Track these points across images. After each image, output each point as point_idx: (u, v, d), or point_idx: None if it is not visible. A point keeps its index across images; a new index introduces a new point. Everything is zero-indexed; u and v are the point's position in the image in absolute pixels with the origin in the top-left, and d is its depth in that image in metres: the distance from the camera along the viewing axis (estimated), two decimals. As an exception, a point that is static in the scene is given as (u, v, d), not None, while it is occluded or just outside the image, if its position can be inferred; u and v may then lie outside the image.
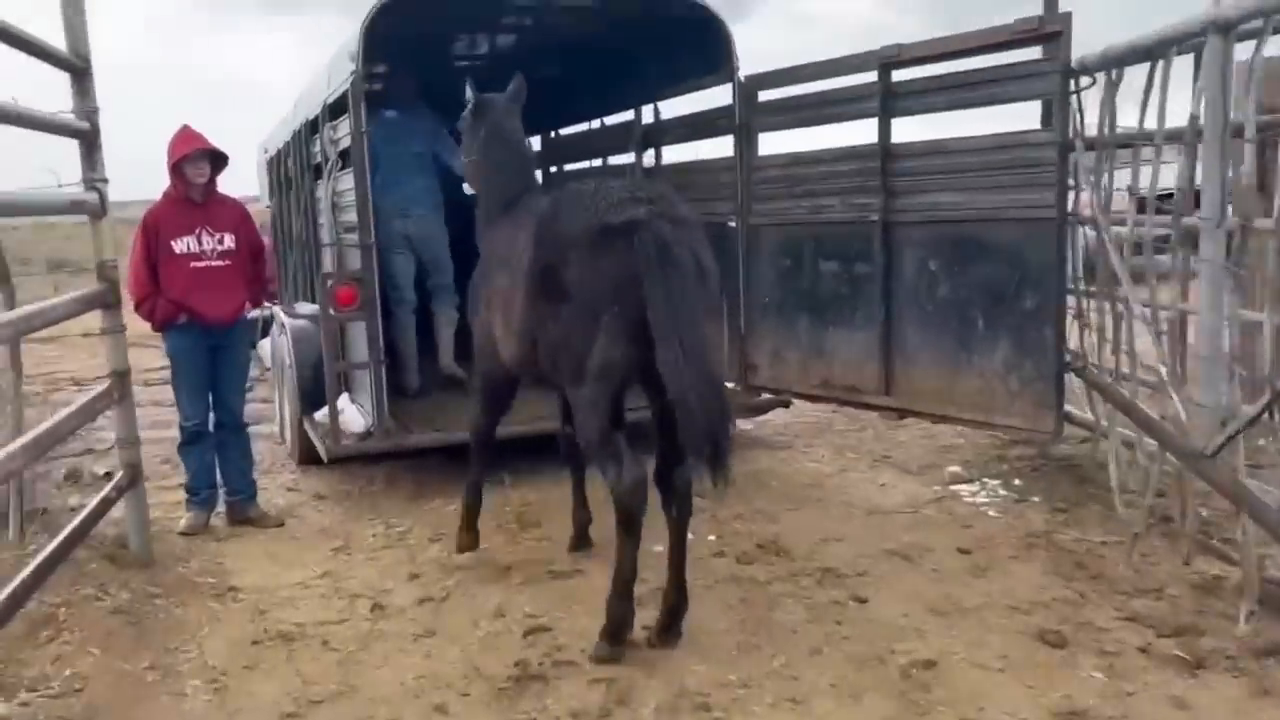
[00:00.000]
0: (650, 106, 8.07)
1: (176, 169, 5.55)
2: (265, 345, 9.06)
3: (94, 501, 4.58)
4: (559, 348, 3.82)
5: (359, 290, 6.02)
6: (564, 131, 9.96)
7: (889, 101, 5.76)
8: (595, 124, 9.20)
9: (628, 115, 8.46)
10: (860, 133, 6.16)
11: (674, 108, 8.00)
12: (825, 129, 6.43)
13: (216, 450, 5.95)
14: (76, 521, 4.34)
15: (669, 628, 3.91)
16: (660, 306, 3.44)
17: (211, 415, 5.87)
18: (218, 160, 5.70)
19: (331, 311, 6.01)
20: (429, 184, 7.37)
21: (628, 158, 8.39)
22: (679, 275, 3.49)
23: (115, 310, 4.83)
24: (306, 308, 8.01)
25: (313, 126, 7.35)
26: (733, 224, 6.95)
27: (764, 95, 6.67)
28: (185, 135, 5.58)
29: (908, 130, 5.85)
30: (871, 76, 5.82)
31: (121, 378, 4.85)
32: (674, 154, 8.02)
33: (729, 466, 3.44)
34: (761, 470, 6.53)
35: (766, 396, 6.91)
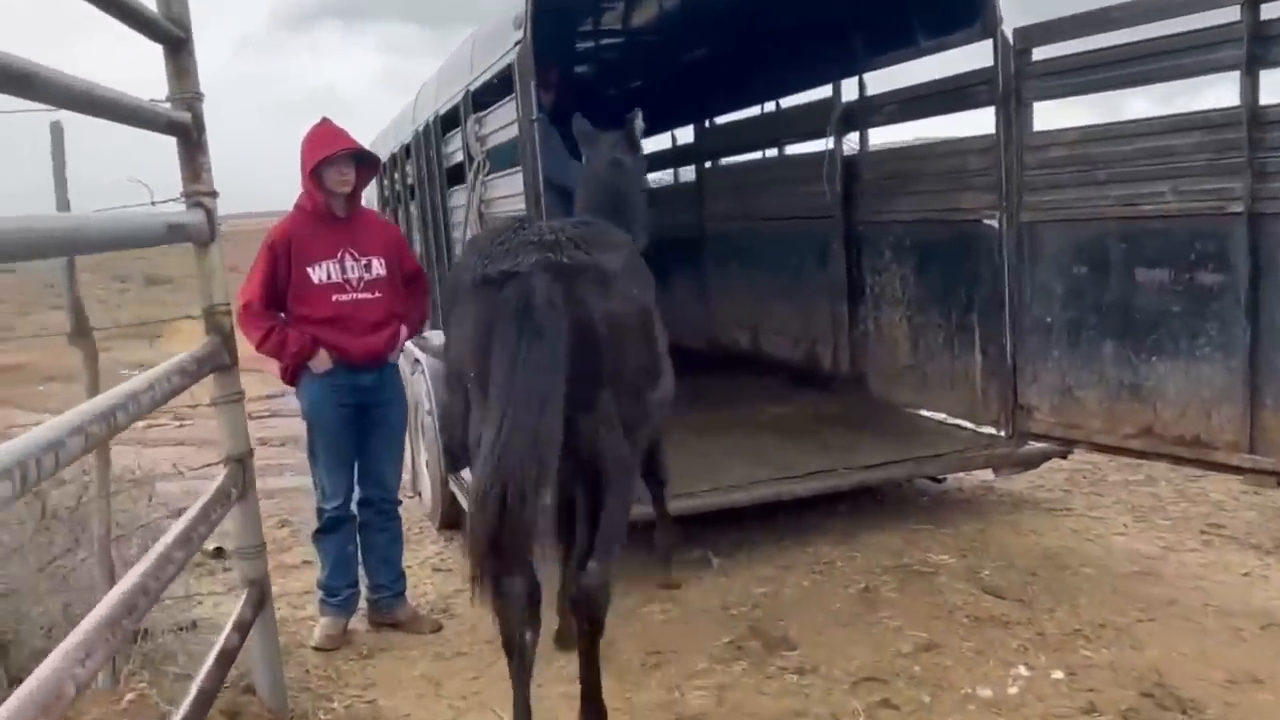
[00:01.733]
0: (853, 80, 6.56)
1: (314, 174, 4.23)
2: None
3: (217, 645, 3.23)
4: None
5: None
6: (730, 118, 8.48)
7: (1261, 47, 4.13)
8: (770, 107, 7.71)
9: (819, 93, 6.97)
10: (1182, 99, 4.59)
11: (882, 81, 6.47)
12: (1123, 98, 4.85)
13: (360, 536, 4.62)
14: (199, 683, 2.99)
15: None
16: (497, 374, 2.92)
17: (356, 492, 4.55)
18: (365, 164, 4.38)
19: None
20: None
21: (819, 144, 6.88)
22: (531, 339, 2.88)
23: (231, 373, 3.49)
24: (441, 339, 6.67)
25: (448, 121, 6.01)
26: (991, 222, 5.38)
27: (1040, 53, 5.09)
28: (325, 132, 4.26)
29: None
30: (1229, 14, 4.20)
31: (241, 465, 3.51)
32: (883, 136, 6.51)
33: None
34: (1053, 548, 4.94)
35: (1040, 446, 5.31)
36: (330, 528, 4.47)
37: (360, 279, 4.27)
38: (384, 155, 8.63)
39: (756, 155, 8.05)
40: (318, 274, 4.21)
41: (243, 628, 3.33)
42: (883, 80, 6.38)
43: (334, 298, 4.25)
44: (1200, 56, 4.35)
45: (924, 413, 6.13)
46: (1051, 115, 5.21)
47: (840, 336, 6.89)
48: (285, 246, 4.24)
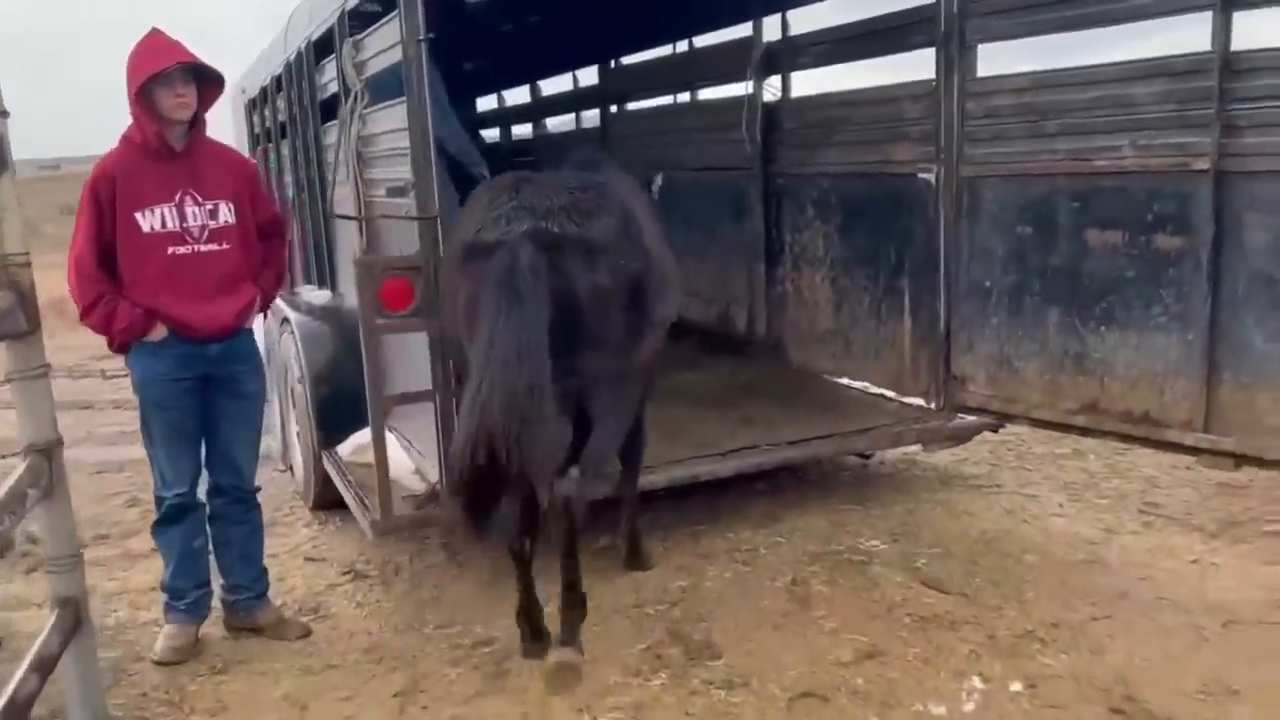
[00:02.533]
0: (776, 18, 6.02)
1: (142, 97, 3.46)
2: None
3: (21, 669, 2.55)
4: None
5: (415, 285, 3.96)
6: (637, 59, 7.84)
7: (1238, -17, 3.74)
8: (684, 46, 7.11)
9: (738, 31, 6.41)
10: (1137, 45, 4.20)
11: (809, 19, 5.94)
12: (1077, 42, 4.42)
13: (211, 529, 3.94)
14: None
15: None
16: (480, 338, 3.02)
17: (205, 479, 3.86)
18: (208, 81, 3.63)
19: (376, 317, 3.95)
20: None
21: (738, 88, 6.34)
22: (512, 305, 2.96)
23: (29, 342, 2.77)
24: (316, 296, 5.94)
25: (322, 47, 5.24)
26: (926, 176, 4.93)
27: (987, -13, 4.63)
28: (155, 45, 3.48)
29: (1257, 30, 3.85)
30: (1200, -55, 3.80)
31: (46, 456, 2.80)
32: (809, 82, 5.99)
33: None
34: (990, 532, 4.58)
35: (973, 420, 4.93)
36: (172, 518, 3.77)
37: (203, 227, 3.54)
38: (254, 89, 7.75)
39: (667, 100, 7.45)
40: (148, 221, 3.46)
41: (45, 666, 2.64)
42: (809, 18, 5.85)
43: (169, 250, 3.51)
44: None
45: (847, 381, 5.71)
46: (997, 60, 4.77)
47: (757, 299, 6.40)
48: (110, 187, 3.46)
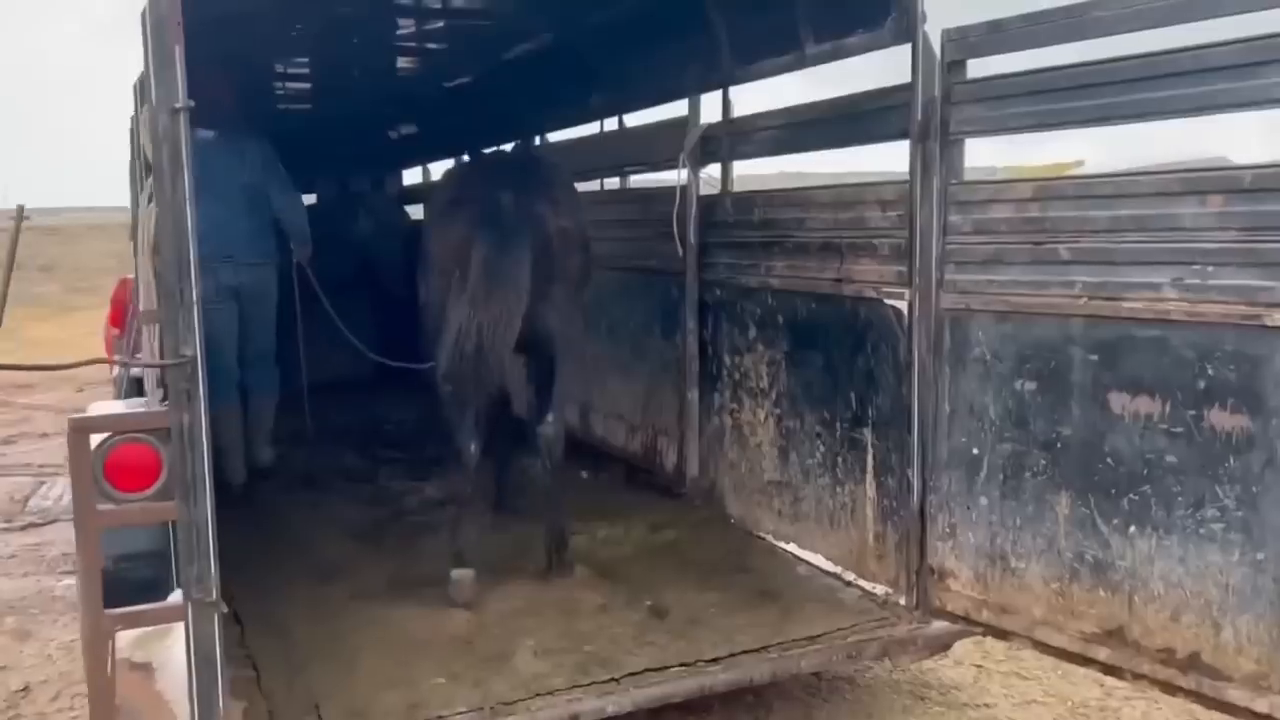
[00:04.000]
0: (715, 95, 4.94)
1: None
2: None
3: None
4: None
5: (162, 454, 2.74)
6: (564, 135, 6.74)
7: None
8: (611, 125, 6.02)
9: (669, 111, 5.35)
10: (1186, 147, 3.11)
11: (757, 96, 4.89)
12: (1104, 137, 3.36)
13: None
14: None
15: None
16: (476, 265, 3.88)
17: None
18: None
19: (99, 501, 2.71)
20: (261, 226, 5.60)
21: (664, 175, 5.26)
22: (504, 241, 3.89)
23: None
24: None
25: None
26: (896, 303, 3.81)
27: (979, 67, 3.55)
28: None
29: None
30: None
31: None
32: (756, 170, 4.89)
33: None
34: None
35: (949, 626, 3.72)
36: None
37: None
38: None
39: (594, 185, 6.33)
40: None
41: None
42: (758, 95, 4.78)
43: None
44: (1236, 82, 2.85)
45: (795, 551, 4.50)
46: (992, 154, 3.68)
47: (689, 432, 5.21)
48: None
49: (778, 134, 4.60)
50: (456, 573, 4.01)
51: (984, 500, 3.54)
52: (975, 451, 3.55)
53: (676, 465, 5.37)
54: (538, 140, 6.82)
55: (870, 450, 4.05)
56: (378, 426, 7.29)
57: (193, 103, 2.65)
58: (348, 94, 7.98)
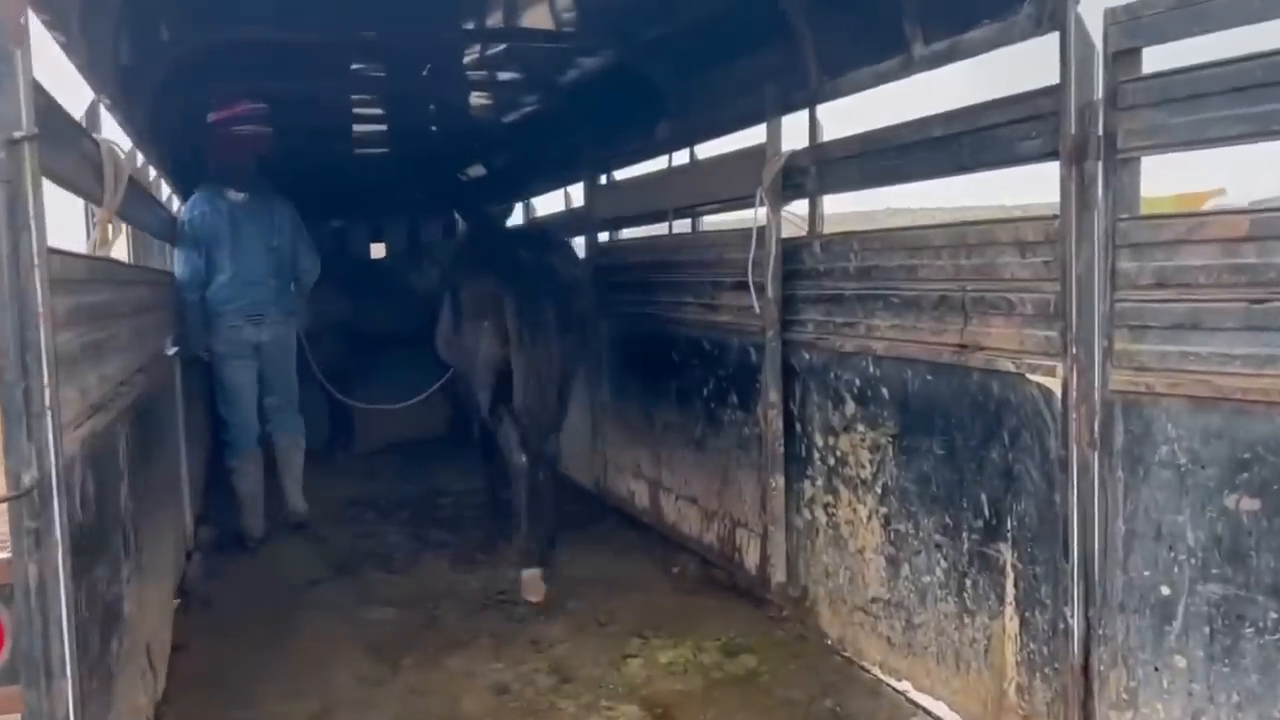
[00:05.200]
0: (800, 116, 4.06)
1: None
2: None
3: None
4: None
5: (4, 624, 1.97)
6: (630, 172, 5.91)
7: None
8: (683, 159, 5.17)
9: (746, 139, 4.48)
10: None
11: (849, 115, 3.99)
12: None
13: None
14: None
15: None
16: (524, 355, 4.64)
17: None
18: None
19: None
20: (286, 285, 5.83)
21: (743, 215, 4.36)
22: (535, 334, 4.60)
23: None
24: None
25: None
26: (1044, 380, 2.83)
27: (1157, 56, 2.57)
28: None
29: None
30: None
31: None
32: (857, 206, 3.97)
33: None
34: None
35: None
36: None
37: None
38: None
39: (661, 229, 5.47)
40: None
41: None
42: (850, 114, 3.86)
43: None
44: None
45: (909, 693, 3.50)
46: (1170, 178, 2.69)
47: (772, 525, 4.26)
48: None
49: (879, 160, 3.64)
50: (527, 572, 4.57)
51: (1181, 661, 2.50)
52: (1165, 591, 2.53)
53: (759, 566, 4.41)
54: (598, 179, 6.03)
55: (1010, 574, 3.04)
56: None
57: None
58: (418, 135, 7.51)
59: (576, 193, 6.72)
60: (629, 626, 4.24)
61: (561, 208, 7.15)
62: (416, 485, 7.01)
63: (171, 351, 4.71)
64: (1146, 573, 2.58)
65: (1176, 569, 2.50)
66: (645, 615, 4.37)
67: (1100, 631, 2.69)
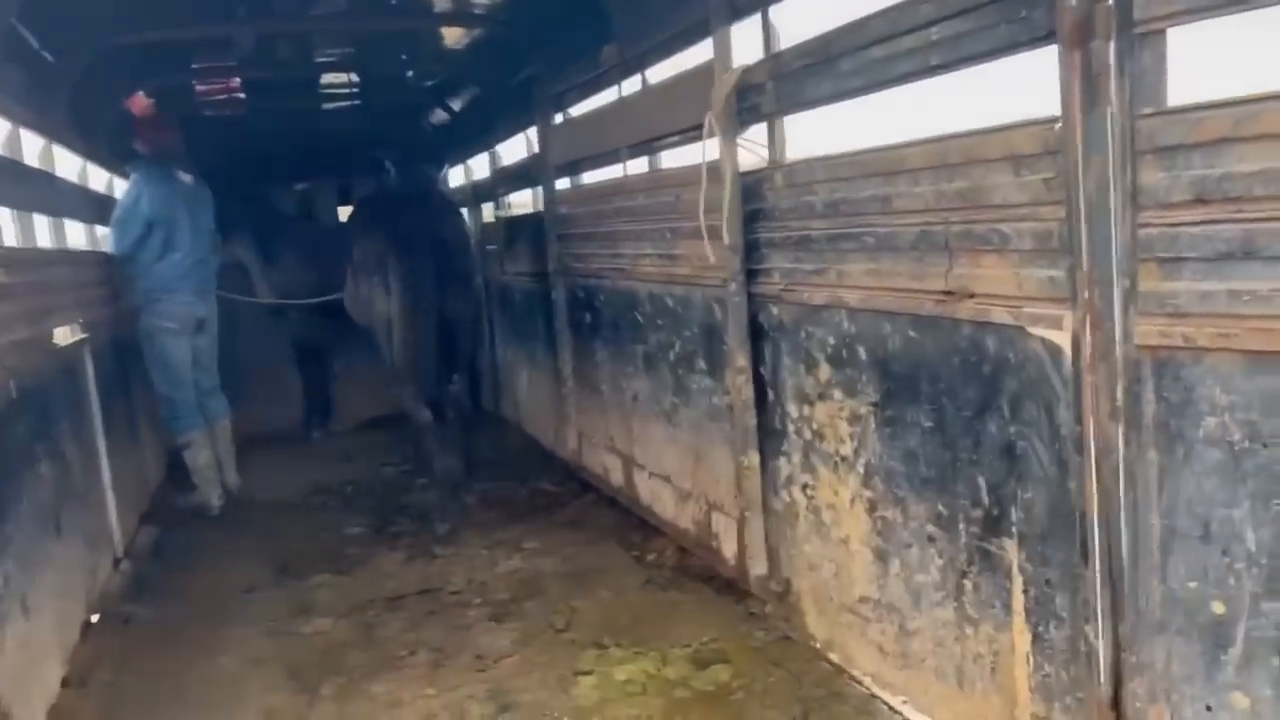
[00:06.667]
0: (752, 22, 3.38)
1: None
2: None
3: None
4: None
5: None
6: (584, 108, 5.24)
7: None
8: (633, 85, 4.49)
9: (698, 55, 3.82)
10: None
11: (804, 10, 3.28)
12: None
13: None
14: None
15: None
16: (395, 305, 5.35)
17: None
18: None
19: None
20: (213, 262, 6.05)
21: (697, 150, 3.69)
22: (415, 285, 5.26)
23: None
24: None
25: None
26: (1046, 333, 2.18)
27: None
28: None
29: None
30: None
31: None
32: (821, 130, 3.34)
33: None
34: None
35: None
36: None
37: None
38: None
39: (617, 172, 4.80)
40: None
41: None
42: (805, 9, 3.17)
43: None
44: None
45: (906, 712, 2.91)
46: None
47: (749, 508, 3.66)
48: None
49: (849, 66, 2.95)
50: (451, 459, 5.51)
51: (1242, 700, 1.89)
52: (1219, 608, 1.90)
53: (738, 556, 3.82)
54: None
55: (1016, 577, 2.42)
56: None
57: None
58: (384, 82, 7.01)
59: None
60: (589, 633, 3.68)
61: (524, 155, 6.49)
62: (394, 467, 6.49)
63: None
64: (1192, 583, 1.95)
65: (1233, 580, 1.88)
66: (609, 617, 3.81)
67: (1133, 657, 2.07)
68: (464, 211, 7.83)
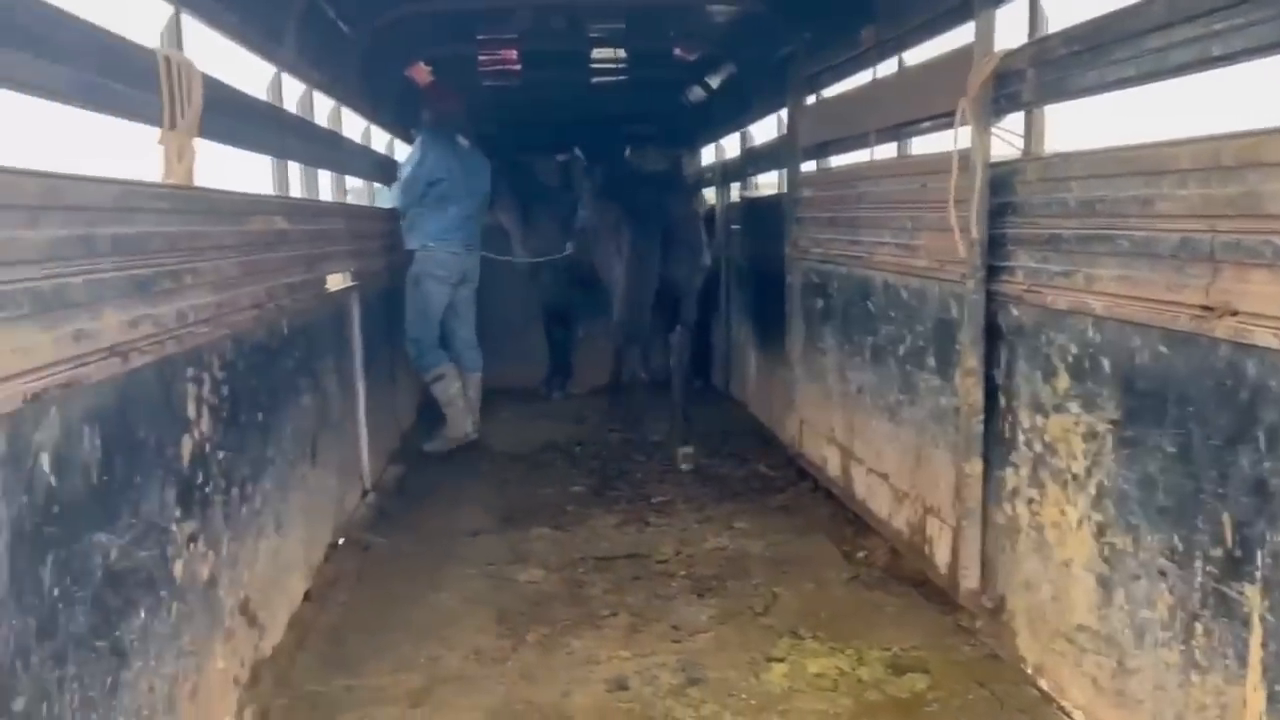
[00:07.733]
0: (1018, 6, 3.18)
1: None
2: None
3: None
4: None
5: None
6: (837, 90, 5.13)
7: None
8: (890, 67, 4.35)
9: (957, 38, 3.65)
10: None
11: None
12: None
13: None
14: None
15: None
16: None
17: None
18: None
19: None
20: (480, 225, 6.63)
21: (948, 138, 3.53)
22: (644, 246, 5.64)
23: None
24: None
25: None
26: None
27: None
28: None
29: None
30: None
31: None
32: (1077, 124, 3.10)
33: None
34: None
35: None
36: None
37: None
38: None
39: (863, 156, 4.67)
40: None
41: None
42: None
43: None
44: None
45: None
46: None
47: (966, 519, 3.49)
48: None
49: (1121, 54, 2.72)
50: (683, 450, 5.77)
51: None
52: None
53: (950, 565, 3.66)
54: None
55: (1256, 625, 2.18)
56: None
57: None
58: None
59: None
60: (787, 620, 3.65)
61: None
62: (619, 433, 6.68)
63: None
64: None
65: None
66: (810, 607, 3.77)
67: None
68: (709, 191, 7.94)
